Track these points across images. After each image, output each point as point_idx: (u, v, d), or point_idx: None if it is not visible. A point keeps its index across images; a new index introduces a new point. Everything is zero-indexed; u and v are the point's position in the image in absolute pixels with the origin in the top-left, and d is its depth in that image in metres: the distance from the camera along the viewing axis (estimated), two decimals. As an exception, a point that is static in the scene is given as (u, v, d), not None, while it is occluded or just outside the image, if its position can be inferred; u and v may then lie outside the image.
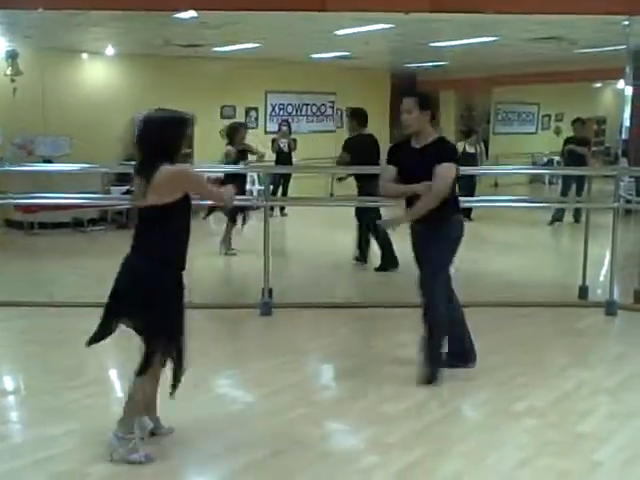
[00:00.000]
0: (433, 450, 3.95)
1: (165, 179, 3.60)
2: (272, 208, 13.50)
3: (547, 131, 22.32)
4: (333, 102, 16.88)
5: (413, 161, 4.95)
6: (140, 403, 3.77)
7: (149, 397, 3.86)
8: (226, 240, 9.84)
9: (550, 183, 18.76)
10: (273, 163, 13.57)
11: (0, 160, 11.10)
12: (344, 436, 4.14)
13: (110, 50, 12.80)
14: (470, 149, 13.43)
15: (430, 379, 4.93)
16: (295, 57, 14.38)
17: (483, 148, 13.74)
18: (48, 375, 4.99)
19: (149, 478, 3.58)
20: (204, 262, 9.62)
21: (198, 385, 4.72)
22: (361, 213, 8.67)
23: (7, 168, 9.86)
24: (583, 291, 7.29)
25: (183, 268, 3.77)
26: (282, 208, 13.96)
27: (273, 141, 14.06)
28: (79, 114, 12.40)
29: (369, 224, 8.40)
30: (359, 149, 8.38)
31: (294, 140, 14.18)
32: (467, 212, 13.51)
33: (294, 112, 16.40)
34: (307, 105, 16.64)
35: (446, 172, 4.82)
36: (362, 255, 8.95)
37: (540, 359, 5.50)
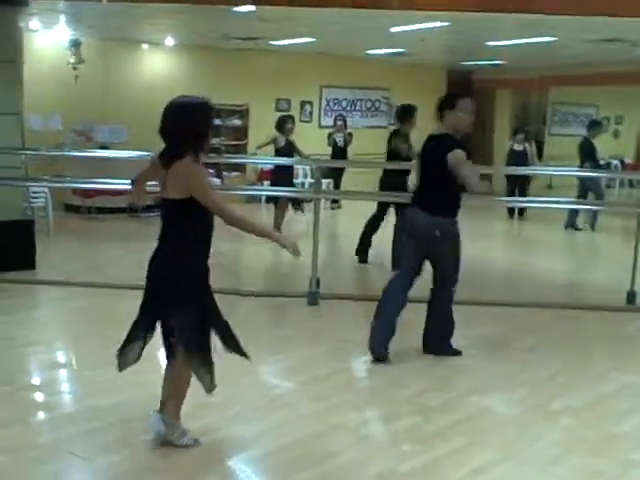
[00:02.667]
0: (469, 441, 4.03)
1: (181, 175, 3.50)
2: (335, 201, 13.85)
3: (606, 134, 22.00)
4: (387, 98, 16.90)
5: None
6: (185, 388, 3.75)
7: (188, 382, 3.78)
8: (276, 228, 10.10)
9: (608, 187, 18.45)
10: (329, 157, 13.80)
11: (60, 145, 11.44)
12: (383, 423, 4.25)
13: (170, 41, 13.09)
14: (518, 147, 13.38)
15: None
16: (350, 52, 14.49)
17: (534, 148, 13.61)
18: (100, 351, 5.18)
19: (196, 452, 3.72)
20: (254, 250, 9.83)
21: (241, 369, 4.88)
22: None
23: (67, 153, 10.19)
24: (631, 296, 7.24)
25: (207, 258, 3.70)
26: (334, 201, 14.13)
27: (329, 135, 14.27)
28: (138, 103, 12.67)
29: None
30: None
31: (350, 134, 14.34)
32: (520, 211, 13.55)
33: (348, 107, 16.49)
34: (361, 100, 16.71)
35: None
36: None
37: (582, 361, 5.52)
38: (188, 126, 3.56)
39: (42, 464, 3.54)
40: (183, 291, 3.59)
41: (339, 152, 13.97)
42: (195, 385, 3.77)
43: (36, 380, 4.88)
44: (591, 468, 3.75)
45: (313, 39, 12.47)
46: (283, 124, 10.15)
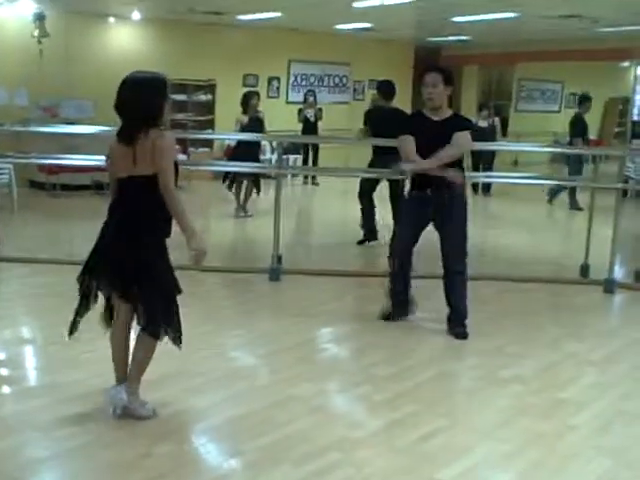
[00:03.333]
0: (417, 409, 4.18)
1: (167, 145, 3.58)
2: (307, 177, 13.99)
3: (572, 110, 22.21)
4: (346, 75, 16.97)
5: (434, 133, 5.23)
6: (148, 361, 3.84)
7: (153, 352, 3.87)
8: (243, 204, 10.22)
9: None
10: (300, 132, 13.91)
11: (26, 121, 11.37)
12: (336, 394, 4.39)
13: (136, 15, 13.02)
14: (482, 123, 13.55)
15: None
16: (317, 27, 14.50)
17: (498, 123, 13.77)
18: (63, 327, 5.26)
19: (153, 423, 3.83)
20: (219, 226, 9.92)
21: (203, 342, 5.02)
22: (366, 187, 8.66)
23: (30, 129, 10.13)
24: (584, 269, 7.45)
25: (169, 235, 3.77)
26: (313, 177, 14.36)
27: (300, 111, 14.38)
28: (104, 78, 12.49)
29: (364, 195, 8.56)
30: (379, 122, 8.31)
31: (320, 110, 14.45)
32: (486, 187, 13.75)
33: (316, 82, 16.52)
34: (329, 76, 16.75)
35: (468, 137, 5.28)
36: (371, 233, 8.74)
37: (533, 331, 5.71)
38: (144, 101, 3.61)
39: (1, 437, 3.63)
40: (156, 269, 3.71)
41: (310, 127, 14.09)
42: (155, 357, 3.86)
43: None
44: (534, 431, 3.92)
45: (280, 14, 12.48)
46: (248, 100, 10.20)
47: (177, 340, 3.84)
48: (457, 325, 5.43)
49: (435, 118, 5.31)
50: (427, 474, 3.46)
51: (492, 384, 4.61)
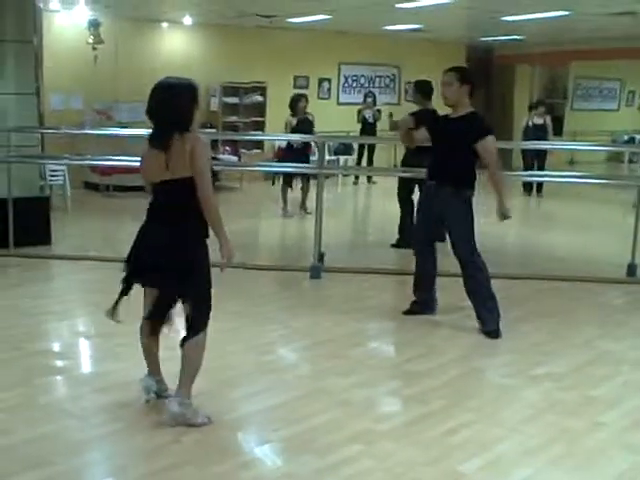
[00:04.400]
0: (446, 403, 4.21)
1: (203, 149, 3.64)
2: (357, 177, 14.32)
3: (631, 108, 21.79)
4: (395, 75, 17.01)
5: (447, 129, 5.43)
6: (197, 369, 3.86)
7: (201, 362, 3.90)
8: (285, 203, 10.37)
9: (630, 161, 18.27)
10: (358, 133, 14.15)
11: (81, 125, 11.72)
12: (365, 388, 4.41)
13: (188, 20, 13.26)
14: (538, 120, 13.38)
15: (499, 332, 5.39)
16: (366, 29, 14.55)
17: (549, 122, 13.55)
18: (106, 320, 5.47)
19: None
20: (266, 225, 10.07)
21: (237, 336, 5.15)
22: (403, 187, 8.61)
23: (82, 131, 10.42)
24: (631, 268, 7.34)
25: (207, 235, 3.78)
26: (369, 177, 14.63)
27: (359, 112, 14.57)
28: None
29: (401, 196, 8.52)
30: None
31: (378, 111, 14.61)
32: (538, 187, 13.56)
33: (366, 84, 16.56)
34: (380, 77, 16.78)
35: (493, 145, 5.32)
36: (403, 240, 8.47)
37: (570, 329, 5.67)
38: (175, 106, 3.66)
39: (39, 423, 3.79)
40: (200, 274, 3.77)
41: (369, 128, 14.28)
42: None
43: (44, 346, 5.09)
44: (560, 427, 3.92)
45: (329, 16, 12.56)
46: (296, 103, 10.33)
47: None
48: (482, 324, 5.44)
49: (452, 115, 5.46)
50: (449, 467, 3.49)
51: (523, 381, 4.60)
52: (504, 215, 5.40)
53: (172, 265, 3.71)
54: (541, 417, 4.06)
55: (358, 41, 15.26)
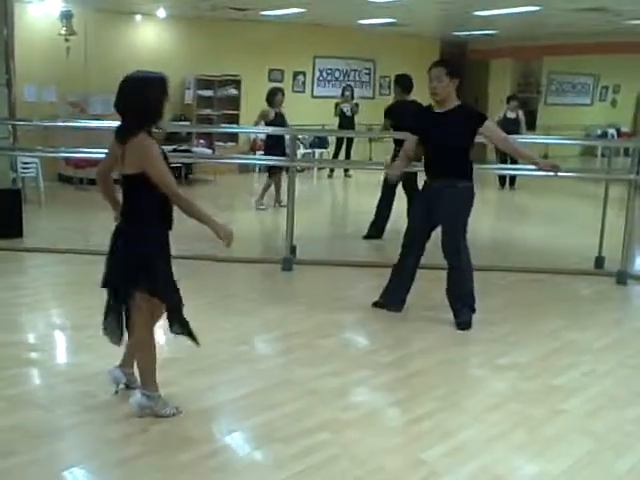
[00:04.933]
0: (413, 393, 4.30)
1: (136, 150, 3.60)
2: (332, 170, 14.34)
3: (604, 103, 22.04)
4: (370, 69, 17.06)
5: (438, 125, 5.35)
6: (154, 358, 3.92)
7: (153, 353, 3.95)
8: (263, 196, 10.43)
9: (602, 156, 18.47)
10: (336, 126, 14.21)
11: (54, 117, 11.63)
12: (333, 377, 4.46)
13: (162, 12, 13.22)
14: (511, 114, 13.47)
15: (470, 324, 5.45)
16: (341, 23, 14.58)
17: (522, 116, 13.64)
18: (78, 312, 5.50)
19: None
20: (240, 218, 10.09)
21: (208, 328, 5.17)
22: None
23: (51, 123, 10.32)
24: (599, 261, 7.47)
25: (170, 228, 3.83)
26: (346, 170, 14.74)
27: (336, 105, 14.61)
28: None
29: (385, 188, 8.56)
30: (400, 115, 8.30)
31: (356, 105, 14.61)
32: (511, 180, 13.71)
33: (341, 77, 16.60)
34: (355, 71, 16.82)
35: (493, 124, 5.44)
36: (377, 230, 8.69)
37: (537, 320, 5.76)
38: (143, 101, 3.66)
39: (6, 414, 3.81)
40: (148, 265, 3.75)
41: (347, 122, 14.29)
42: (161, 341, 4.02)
43: (14, 338, 5.04)
44: (522, 415, 4.01)
45: (303, 9, 12.59)
46: (273, 96, 10.34)
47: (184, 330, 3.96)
48: (456, 316, 5.51)
49: (439, 110, 5.40)
50: (412, 454, 3.56)
51: (489, 371, 4.69)
52: (554, 166, 5.39)
53: (127, 259, 3.75)
54: (504, 406, 4.14)
55: (333, 35, 15.30)
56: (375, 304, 5.84)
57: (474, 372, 4.71)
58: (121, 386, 4.04)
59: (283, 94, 10.52)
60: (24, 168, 9.84)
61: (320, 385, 4.34)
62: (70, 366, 4.59)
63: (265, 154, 10.56)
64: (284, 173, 10.26)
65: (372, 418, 3.95)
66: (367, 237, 8.66)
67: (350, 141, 14.63)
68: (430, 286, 5.99)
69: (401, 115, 8.26)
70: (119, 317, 3.92)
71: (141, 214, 3.75)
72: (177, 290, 3.87)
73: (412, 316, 5.73)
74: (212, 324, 5.33)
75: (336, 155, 14.67)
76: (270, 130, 9.98)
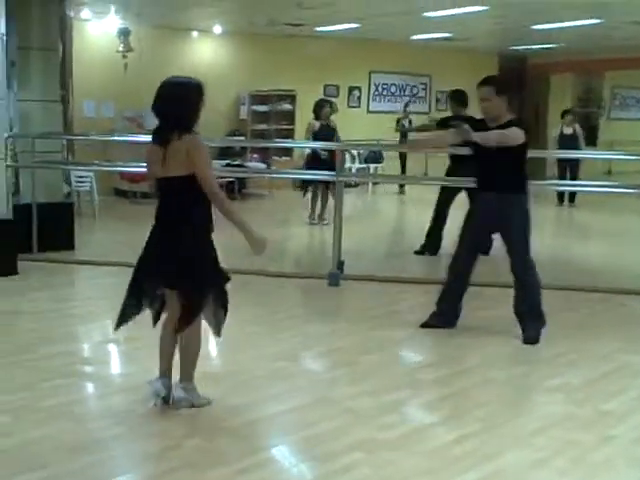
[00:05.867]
0: (453, 414, 4.15)
1: (183, 148, 3.66)
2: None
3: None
4: (426, 84, 16.92)
5: None
6: (196, 353, 3.99)
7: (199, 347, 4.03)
8: (315, 211, 10.36)
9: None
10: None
11: (112, 132, 11.86)
12: (372, 396, 4.34)
13: (218, 29, 13.37)
14: (567, 130, 13.15)
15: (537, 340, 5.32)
16: (396, 38, 14.52)
17: (580, 131, 13.28)
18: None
19: (183, 418, 3.94)
20: (291, 233, 10.06)
21: (249, 343, 5.13)
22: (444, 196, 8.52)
23: (115, 138, 10.53)
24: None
25: (209, 231, 3.88)
26: (401, 186, 14.51)
27: (398, 121, 14.50)
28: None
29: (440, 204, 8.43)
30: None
31: (409, 121, 14.50)
32: (570, 196, 13.32)
33: (397, 92, 16.52)
34: (411, 86, 16.72)
35: (514, 130, 5.16)
36: (433, 246, 8.53)
37: (592, 341, 5.52)
38: (183, 104, 3.74)
39: (41, 426, 3.81)
40: (198, 269, 3.82)
41: (406, 137, 14.11)
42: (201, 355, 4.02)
43: (57, 349, 5.06)
44: (567, 440, 3.82)
45: (357, 24, 12.56)
46: (320, 108, 10.27)
47: (217, 331, 4.03)
48: (524, 330, 5.39)
49: (492, 125, 5.30)
50: (446, 477, 3.42)
51: (537, 392, 4.54)
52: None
53: (168, 260, 3.81)
54: (550, 429, 3.96)
55: (388, 50, 15.25)
56: (425, 325, 5.67)
57: (521, 393, 4.55)
58: (160, 399, 3.98)
59: (331, 106, 10.45)
60: (79, 182, 10.01)
61: (358, 403, 4.23)
62: (112, 377, 4.62)
63: (306, 168, 10.43)
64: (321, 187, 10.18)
65: (408, 439, 3.81)
66: (419, 252, 8.51)
67: (404, 156, 14.48)
68: (479, 304, 5.83)
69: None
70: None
71: (187, 216, 3.77)
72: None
73: (460, 333, 5.57)
74: (254, 339, 5.29)
75: (403, 171, 14.47)
76: (319, 145, 9.87)
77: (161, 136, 3.76)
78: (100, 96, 12.35)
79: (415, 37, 14.26)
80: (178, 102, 3.76)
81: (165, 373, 4.03)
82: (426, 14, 10.75)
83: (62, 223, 7.92)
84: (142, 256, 3.99)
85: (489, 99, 5.24)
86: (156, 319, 4.10)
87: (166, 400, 3.99)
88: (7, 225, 6.84)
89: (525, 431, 3.94)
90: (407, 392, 4.45)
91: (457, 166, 7.97)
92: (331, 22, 12.30)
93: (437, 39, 14.38)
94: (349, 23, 12.35)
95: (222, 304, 4.00)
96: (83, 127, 11.27)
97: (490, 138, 5.14)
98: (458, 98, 8.51)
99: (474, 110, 8.46)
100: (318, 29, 13.18)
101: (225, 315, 4.03)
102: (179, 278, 3.85)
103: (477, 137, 5.13)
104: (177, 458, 3.52)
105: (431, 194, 8.91)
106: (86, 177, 10.12)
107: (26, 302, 6.23)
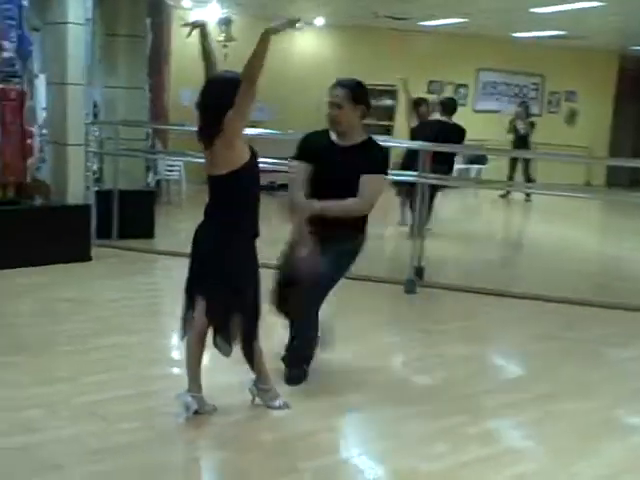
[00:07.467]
0: (510, 448, 3.75)
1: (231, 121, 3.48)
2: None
3: None
4: (538, 84, 16.12)
5: (336, 161, 4.20)
6: (262, 357, 3.83)
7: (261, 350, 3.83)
8: (403, 213, 9.93)
9: None
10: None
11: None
12: (422, 420, 3.93)
13: (320, 21, 13.14)
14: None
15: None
16: (504, 34, 13.88)
17: None
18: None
19: (219, 428, 3.72)
20: (377, 234, 9.66)
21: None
22: None
23: (188, 128, 10.37)
24: None
25: (257, 235, 3.74)
26: (527, 194, 13.59)
27: (511, 122, 13.86)
28: (288, 82, 12.81)
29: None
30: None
31: (531, 124, 13.79)
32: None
33: (506, 92, 15.84)
34: (521, 86, 16.00)
35: (377, 186, 4.22)
36: None
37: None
38: (230, 102, 3.54)
39: (69, 424, 3.64)
40: (235, 268, 3.66)
41: (519, 141, 13.45)
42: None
43: (110, 341, 4.91)
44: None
45: (463, 19, 12.06)
46: (416, 107, 9.87)
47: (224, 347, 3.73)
48: None
49: (340, 143, 4.26)
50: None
51: (614, 430, 4.02)
52: None
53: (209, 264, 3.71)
54: (619, 476, 3.49)
55: (497, 47, 14.63)
56: None
57: (594, 430, 4.02)
58: (191, 413, 3.71)
59: (428, 105, 10.02)
60: (169, 171, 10.01)
61: (404, 427, 3.87)
62: (155, 378, 4.36)
63: (400, 169, 9.99)
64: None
65: (457, 472, 3.44)
66: None
67: (527, 162, 13.61)
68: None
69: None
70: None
71: (227, 217, 3.66)
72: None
73: (534, 354, 5.10)
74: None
75: (511, 177, 13.70)
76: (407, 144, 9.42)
77: (206, 134, 3.59)
78: (198, 85, 12.29)
79: (526, 34, 13.58)
80: (228, 98, 3.55)
81: (193, 387, 3.75)
82: (532, 10, 10.14)
83: (143, 211, 7.87)
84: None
85: (341, 105, 4.18)
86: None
87: (197, 411, 3.73)
88: (82, 211, 6.81)
89: (591, 476, 3.49)
90: (464, 419, 4.03)
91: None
92: (435, 16, 11.84)
93: (550, 37, 13.63)
94: (454, 18, 11.85)
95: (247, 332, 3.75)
96: (179, 115, 11.23)
97: (348, 210, 4.18)
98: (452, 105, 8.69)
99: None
100: (422, 24, 12.73)
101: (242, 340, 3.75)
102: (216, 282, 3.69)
103: (325, 209, 4.11)
104: (197, 472, 3.30)
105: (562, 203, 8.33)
106: (176, 166, 10.11)
107: (93, 290, 6.15)
